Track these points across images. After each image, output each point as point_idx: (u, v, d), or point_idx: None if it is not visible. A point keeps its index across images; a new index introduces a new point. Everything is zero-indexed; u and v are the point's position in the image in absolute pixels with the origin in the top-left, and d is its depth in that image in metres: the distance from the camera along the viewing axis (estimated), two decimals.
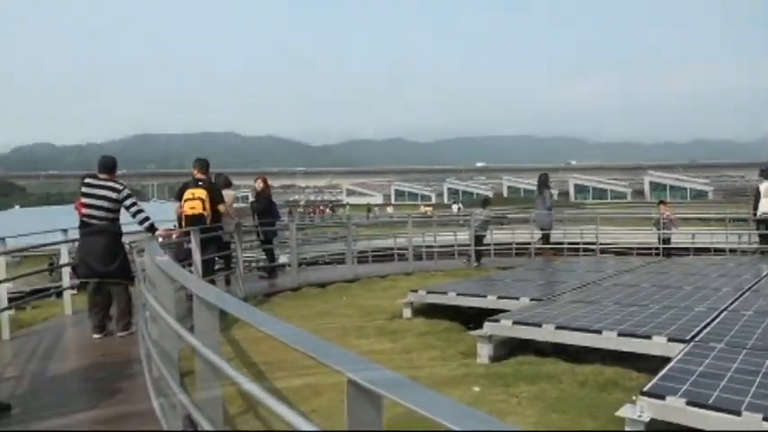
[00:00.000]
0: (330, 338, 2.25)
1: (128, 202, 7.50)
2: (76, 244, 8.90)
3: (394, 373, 1.74)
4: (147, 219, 7.64)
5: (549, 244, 16.41)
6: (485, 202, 20.26)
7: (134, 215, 7.63)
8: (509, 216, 23.47)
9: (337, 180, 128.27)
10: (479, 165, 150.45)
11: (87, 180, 7.51)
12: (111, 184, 7.47)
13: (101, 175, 7.52)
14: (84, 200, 7.45)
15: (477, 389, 5.82)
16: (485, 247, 16.96)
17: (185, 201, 9.63)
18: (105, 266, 7.40)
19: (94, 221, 7.40)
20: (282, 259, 14.85)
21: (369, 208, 63.06)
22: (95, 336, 7.47)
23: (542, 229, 16.13)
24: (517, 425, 4.59)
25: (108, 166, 7.64)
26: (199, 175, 9.89)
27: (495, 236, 18.03)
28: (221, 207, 9.88)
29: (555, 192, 67.14)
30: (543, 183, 16.16)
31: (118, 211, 7.51)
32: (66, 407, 4.80)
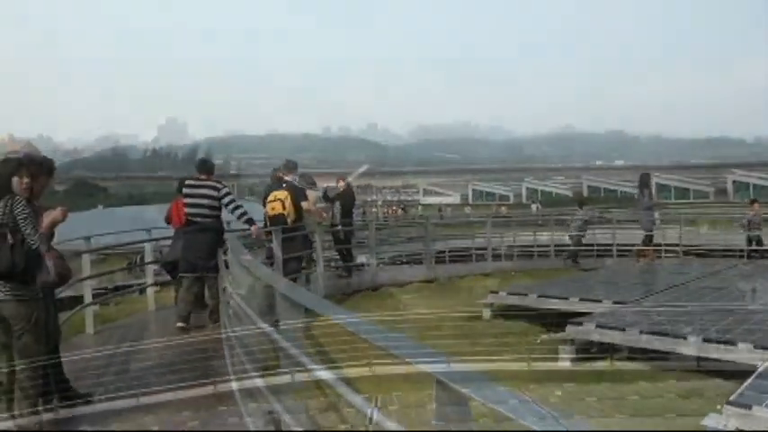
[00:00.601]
0: (410, 338, 2.27)
1: (226, 200, 7.91)
2: (161, 242, 9.30)
3: (479, 374, 1.76)
4: (245, 214, 8.01)
5: (650, 245, 15.89)
6: (581, 203, 19.71)
7: (232, 211, 8.01)
8: (607, 216, 22.84)
9: (414, 180, 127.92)
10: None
11: (189, 182, 8.04)
12: (211, 183, 7.96)
13: (201, 176, 7.94)
14: (186, 200, 7.95)
15: (558, 393, 5.75)
16: (582, 248, 16.71)
17: (268, 202, 9.93)
18: (206, 262, 7.72)
19: (198, 219, 7.82)
20: (361, 259, 14.96)
21: (439, 208, 62.82)
22: (179, 324, 7.63)
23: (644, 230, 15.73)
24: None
25: (207, 167, 8.16)
26: (285, 177, 10.21)
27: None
28: (305, 205, 10.09)
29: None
30: (644, 183, 15.81)
31: (219, 209, 7.94)
32: (146, 395, 4.92)
